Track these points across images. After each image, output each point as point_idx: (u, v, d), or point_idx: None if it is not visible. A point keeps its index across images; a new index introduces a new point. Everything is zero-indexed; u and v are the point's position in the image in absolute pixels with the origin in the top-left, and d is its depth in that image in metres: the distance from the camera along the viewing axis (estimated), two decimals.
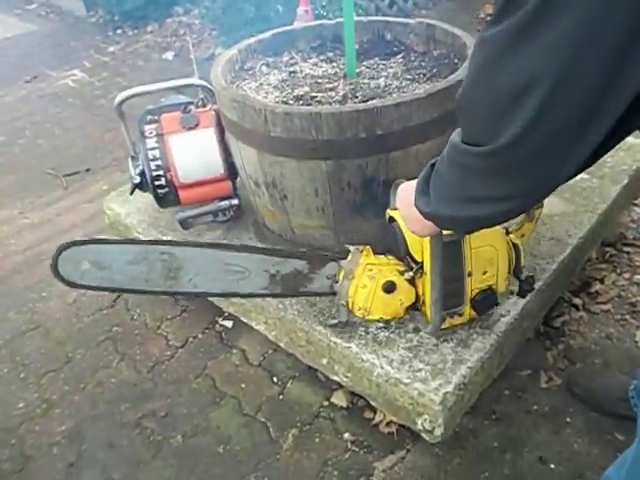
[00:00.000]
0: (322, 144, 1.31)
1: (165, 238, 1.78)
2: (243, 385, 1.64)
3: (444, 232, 1.06)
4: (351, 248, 1.32)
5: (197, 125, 1.62)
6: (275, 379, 1.65)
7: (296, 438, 1.48)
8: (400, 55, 1.69)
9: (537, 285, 1.46)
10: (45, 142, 3.22)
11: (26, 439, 1.55)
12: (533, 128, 0.59)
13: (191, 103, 1.70)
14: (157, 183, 1.63)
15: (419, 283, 1.29)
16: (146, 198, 1.86)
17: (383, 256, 1.32)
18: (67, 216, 2.53)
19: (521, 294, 1.36)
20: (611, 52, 0.53)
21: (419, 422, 1.28)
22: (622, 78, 0.55)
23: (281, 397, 1.60)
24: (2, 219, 2.55)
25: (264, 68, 1.69)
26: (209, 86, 1.68)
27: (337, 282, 1.34)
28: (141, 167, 1.65)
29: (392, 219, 1.26)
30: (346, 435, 1.48)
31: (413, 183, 0.87)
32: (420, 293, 1.30)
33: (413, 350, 1.34)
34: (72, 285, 1.32)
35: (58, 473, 1.46)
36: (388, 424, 1.47)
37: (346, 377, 1.41)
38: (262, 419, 1.54)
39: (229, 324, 1.83)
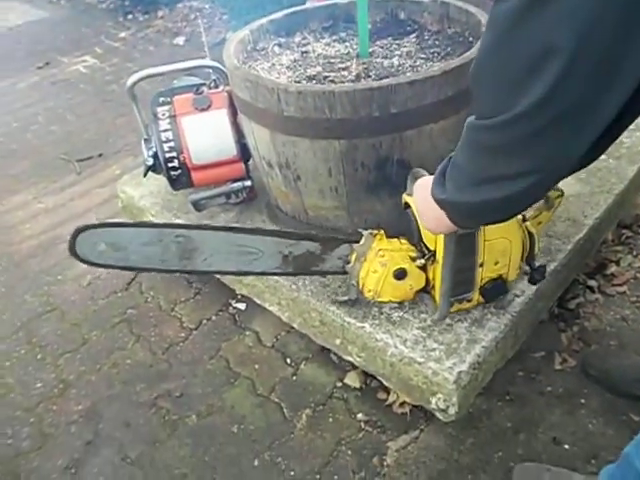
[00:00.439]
0: (336, 123, 1.30)
1: (178, 220, 1.78)
2: (257, 366, 1.65)
3: None
4: (364, 232, 1.32)
5: (209, 106, 1.62)
6: (288, 360, 1.66)
7: (310, 418, 1.49)
8: (414, 34, 1.67)
9: (552, 265, 1.45)
10: (58, 128, 3.23)
11: (44, 418, 1.58)
12: (551, 96, 0.58)
13: (203, 84, 1.70)
14: (170, 165, 1.63)
15: (430, 269, 1.28)
16: (159, 181, 1.86)
17: (396, 239, 1.31)
18: (81, 201, 2.54)
19: (532, 281, 1.35)
20: (629, 9, 0.52)
21: (433, 401, 1.28)
22: None
23: (294, 378, 1.60)
24: (17, 204, 2.57)
25: (276, 48, 1.68)
26: (221, 67, 1.68)
27: (349, 263, 1.34)
28: (154, 149, 1.65)
29: (407, 205, 1.25)
30: (359, 415, 1.48)
31: (430, 179, 0.87)
32: (430, 278, 1.30)
33: (427, 330, 1.34)
34: (89, 263, 1.33)
35: (76, 451, 1.49)
36: (401, 404, 1.47)
37: (359, 357, 1.41)
38: (276, 399, 1.55)
39: (242, 306, 1.84)
